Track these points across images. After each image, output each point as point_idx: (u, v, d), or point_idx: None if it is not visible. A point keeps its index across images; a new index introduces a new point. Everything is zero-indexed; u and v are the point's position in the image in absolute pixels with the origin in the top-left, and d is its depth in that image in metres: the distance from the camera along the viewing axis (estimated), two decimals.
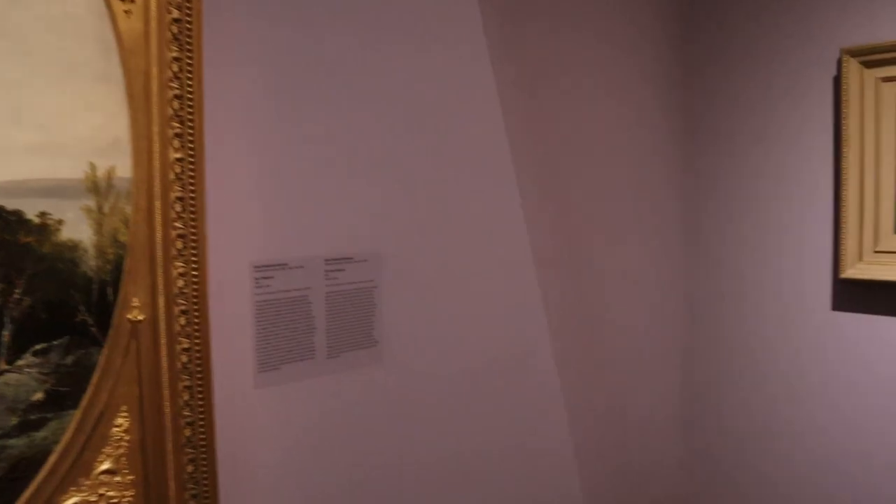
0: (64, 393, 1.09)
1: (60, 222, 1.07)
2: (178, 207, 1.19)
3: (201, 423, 1.23)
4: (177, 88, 1.18)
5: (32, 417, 1.06)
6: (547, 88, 2.04)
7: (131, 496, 1.16)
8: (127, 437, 1.16)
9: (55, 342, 1.08)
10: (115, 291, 1.14)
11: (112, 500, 1.15)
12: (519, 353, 1.94)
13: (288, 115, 1.44)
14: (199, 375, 1.22)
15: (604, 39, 2.21)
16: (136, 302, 1.16)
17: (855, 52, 2.08)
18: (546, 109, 2.04)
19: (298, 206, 1.47)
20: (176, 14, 1.17)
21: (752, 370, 2.40)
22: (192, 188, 1.20)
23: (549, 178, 2.05)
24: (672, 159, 2.48)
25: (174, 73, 1.18)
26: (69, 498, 1.11)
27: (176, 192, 1.19)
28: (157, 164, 1.16)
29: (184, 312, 1.20)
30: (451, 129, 1.75)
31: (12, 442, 1.04)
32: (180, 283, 1.20)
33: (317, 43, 1.48)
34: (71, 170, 1.08)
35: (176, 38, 1.17)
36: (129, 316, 1.15)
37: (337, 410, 1.55)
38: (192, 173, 1.20)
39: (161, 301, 1.18)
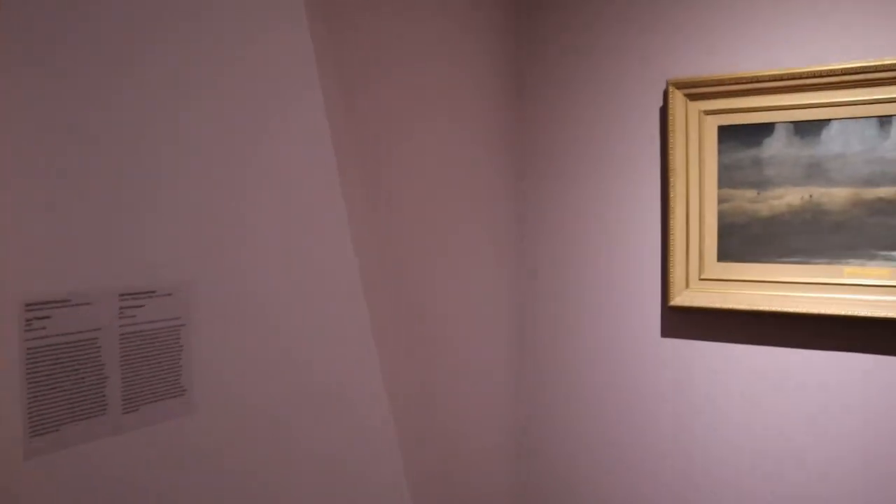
0: None
1: None
2: None
3: None
4: None
5: None
6: (372, 106, 1.90)
7: None
8: None
9: None
10: None
11: None
12: (347, 382, 1.76)
13: (64, 114, 1.18)
14: None
15: (435, 50, 2.11)
16: None
17: (680, 85, 2.13)
18: (372, 124, 1.89)
19: (84, 227, 1.20)
20: None
21: (585, 398, 2.37)
22: None
23: (378, 196, 1.90)
24: (504, 184, 2.43)
25: None
26: None
27: None
28: None
29: None
30: (268, 140, 1.55)
31: None
32: None
33: (92, 41, 1.23)
34: None
35: None
36: None
37: (137, 476, 1.29)
38: None
39: None
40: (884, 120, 1.90)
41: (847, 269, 1.96)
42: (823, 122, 1.97)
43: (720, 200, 2.11)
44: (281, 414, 1.59)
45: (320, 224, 1.67)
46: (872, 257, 1.93)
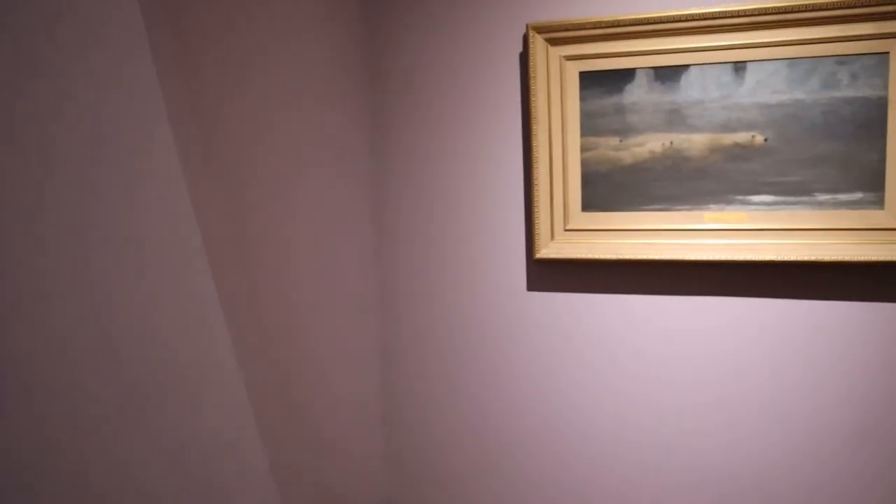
0: None
1: None
2: None
3: None
4: None
5: None
6: (214, 69, 1.66)
7: None
8: None
9: None
10: None
11: None
12: (196, 370, 1.56)
13: None
14: None
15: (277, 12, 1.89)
16: None
17: (541, 29, 2.04)
18: (212, 86, 1.66)
19: None
20: None
21: (449, 359, 2.29)
22: None
23: (222, 167, 1.68)
24: (356, 145, 2.26)
25: None
26: None
27: None
28: None
29: None
30: (99, 124, 1.30)
31: None
32: None
33: None
34: None
35: None
36: None
37: None
38: None
39: None
40: (738, 66, 1.91)
41: (707, 214, 1.98)
42: (682, 68, 1.95)
43: (583, 149, 2.06)
44: (115, 408, 1.37)
45: (161, 204, 1.44)
46: (730, 202, 1.96)
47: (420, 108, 2.23)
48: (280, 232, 1.87)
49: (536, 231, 2.12)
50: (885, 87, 1.81)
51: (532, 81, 2.06)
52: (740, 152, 1.93)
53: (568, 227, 2.10)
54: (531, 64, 2.05)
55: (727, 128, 1.93)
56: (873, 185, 1.85)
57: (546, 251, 2.12)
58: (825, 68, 1.85)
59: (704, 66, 1.93)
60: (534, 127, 2.08)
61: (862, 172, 1.85)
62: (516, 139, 2.15)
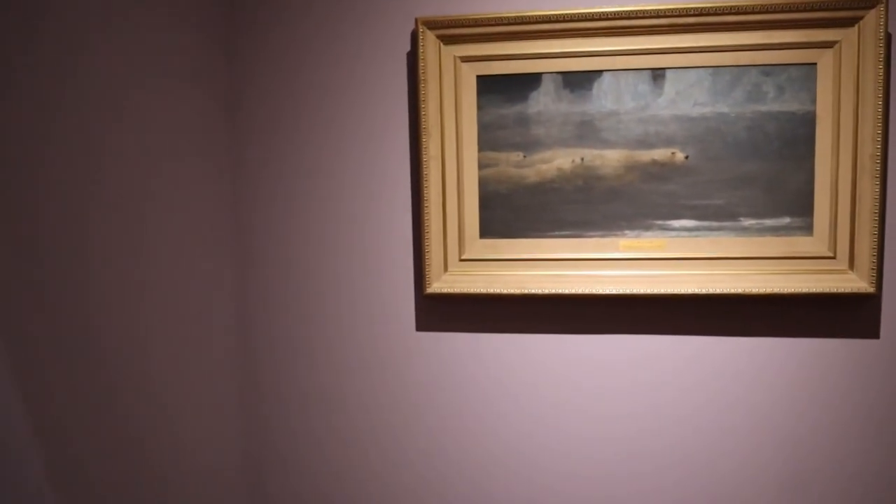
0: None
1: None
2: None
3: None
4: None
5: None
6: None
7: None
8: None
9: None
10: None
11: None
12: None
13: None
14: None
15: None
16: None
17: (432, 24, 1.72)
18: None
19: None
20: None
21: (327, 410, 1.90)
22: None
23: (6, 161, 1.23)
24: (216, 154, 1.84)
25: None
26: None
27: None
28: None
29: None
30: None
31: None
32: None
33: None
34: None
35: None
36: None
37: None
38: None
39: None
40: (657, 73, 1.67)
41: (623, 241, 1.72)
42: (595, 74, 1.69)
43: (481, 165, 1.75)
44: None
45: None
46: (648, 227, 1.70)
47: (287, 118, 1.85)
48: (136, 280, 1.42)
49: (427, 262, 1.78)
50: (813, 101, 1.62)
51: (422, 86, 1.73)
52: (659, 171, 1.68)
53: (464, 257, 1.77)
54: (421, 65, 1.73)
55: (644, 143, 1.68)
56: (801, 209, 1.65)
57: (438, 285, 1.78)
58: (750, 79, 1.64)
59: (619, 72, 1.67)
60: (424, 139, 1.74)
61: (789, 195, 1.65)
62: (403, 154, 1.81)
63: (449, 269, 1.78)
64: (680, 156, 1.67)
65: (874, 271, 1.62)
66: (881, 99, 1.58)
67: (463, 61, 1.73)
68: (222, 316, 1.86)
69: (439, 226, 1.76)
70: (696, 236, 1.68)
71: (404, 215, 1.82)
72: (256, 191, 1.87)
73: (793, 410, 1.72)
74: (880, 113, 1.58)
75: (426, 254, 1.77)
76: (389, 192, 1.82)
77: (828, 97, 1.61)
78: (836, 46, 1.60)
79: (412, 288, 1.84)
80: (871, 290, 1.63)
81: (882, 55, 1.57)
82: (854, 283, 1.64)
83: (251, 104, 1.86)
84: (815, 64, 1.61)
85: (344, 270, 1.86)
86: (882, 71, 1.57)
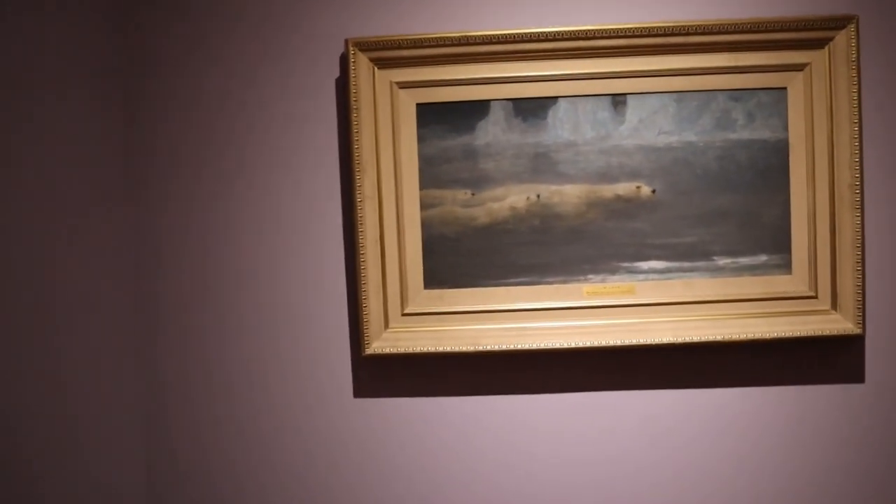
0: None
1: None
2: None
3: None
4: None
5: None
6: None
7: None
8: None
9: None
10: None
11: None
12: None
13: None
14: None
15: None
16: None
17: (365, 46, 1.49)
18: None
19: None
20: None
21: (268, 489, 1.59)
22: None
23: None
24: (115, 190, 1.54)
25: None
26: None
27: None
28: None
29: None
30: None
31: None
32: None
33: None
34: None
35: None
36: None
37: None
38: None
39: None
40: (618, 99, 1.49)
41: (586, 287, 1.51)
42: (549, 101, 1.50)
43: (424, 205, 1.52)
44: None
45: None
46: (615, 271, 1.51)
47: (195, 158, 1.57)
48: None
49: (364, 318, 1.52)
50: (785, 127, 1.47)
51: (354, 115, 1.50)
52: (624, 207, 1.49)
53: (407, 311, 1.53)
54: (352, 92, 1.49)
55: (607, 177, 1.49)
56: (778, 245, 1.49)
57: (378, 344, 1.52)
58: (718, 105, 1.48)
59: (576, 98, 1.49)
60: (358, 176, 1.50)
61: (765, 230, 1.49)
62: (334, 194, 1.56)
63: (390, 325, 1.53)
64: (646, 190, 1.49)
65: (859, 310, 1.47)
66: (857, 124, 1.45)
67: (401, 87, 1.50)
68: (130, 397, 1.53)
69: (377, 276, 1.51)
70: (668, 279, 1.50)
71: (336, 264, 1.56)
72: (159, 256, 1.58)
73: (776, 465, 1.53)
74: (857, 139, 1.45)
75: (363, 308, 1.51)
76: (318, 238, 1.56)
77: (800, 123, 1.47)
78: (807, 69, 1.46)
79: (348, 348, 1.57)
80: (857, 330, 1.47)
81: (855, 78, 1.44)
82: (838, 323, 1.48)
83: (157, 140, 1.57)
84: (786, 88, 1.47)
85: (267, 331, 1.57)
86: (856, 94, 1.44)
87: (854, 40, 1.44)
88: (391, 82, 1.50)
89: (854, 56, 1.44)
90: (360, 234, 1.51)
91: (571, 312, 1.50)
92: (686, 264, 1.49)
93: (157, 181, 1.58)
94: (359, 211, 1.51)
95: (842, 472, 1.53)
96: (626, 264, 1.50)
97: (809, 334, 1.48)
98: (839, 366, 1.53)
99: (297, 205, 1.57)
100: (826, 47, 1.45)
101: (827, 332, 1.48)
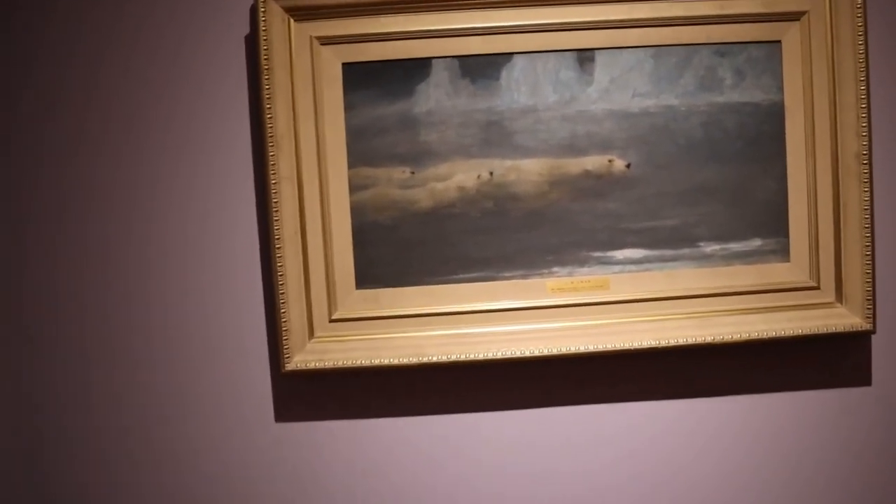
0: None
1: None
2: None
3: None
4: None
5: None
6: None
7: None
8: None
9: None
10: None
11: None
12: None
13: None
14: None
15: None
16: None
17: None
18: None
19: None
20: None
21: None
22: None
23: None
24: None
25: None
26: None
27: None
28: None
29: None
30: None
31: None
32: None
33: None
34: None
35: None
36: None
37: None
38: None
39: None
40: (584, 55, 1.22)
41: (551, 282, 1.24)
42: (503, 59, 1.22)
43: (354, 187, 1.23)
44: None
45: None
46: (584, 261, 1.24)
47: (71, 132, 1.26)
48: None
49: (283, 326, 1.22)
50: (780, 88, 1.23)
51: (265, 78, 1.20)
52: (593, 185, 1.23)
53: (335, 317, 1.24)
54: (262, 50, 1.20)
55: (573, 149, 1.23)
56: (773, 227, 1.24)
57: (301, 358, 1.23)
58: (702, 62, 1.22)
59: (535, 55, 1.22)
60: (272, 153, 1.21)
61: (758, 210, 1.24)
62: (246, 176, 1.27)
63: (315, 333, 1.24)
64: (619, 164, 1.23)
65: (869, 302, 1.23)
66: (864, 82, 1.21)
67: (323, 44, 1.21)
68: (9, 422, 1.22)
69: (298, 274, 1.22)
70: (647, 270, 1.24)
71: (251, 261, 1.27)
72: (27, 252, 1.26)
73: (773, 481, 1.29)
74: (864, 100, 1.21)
75: (281, 315, 1.22)
76: (229, 230, 1.27)
77: (797, 82, 1.23)
78: (804, 18, 1.22)
79: (267, 363, 1.28)
80: (866, 326, 1.24)
81: (861, 27, 1.20)
82: (844, 318, 1.24)
83: (20, 105, 1.25)
84: (780, 42, 1.23)
85: (172, 345, 1.27)
86: (862, 47, 1.20)
87: None
88: (311, 37, 1.21)
89: (860, 1, 1.20)
90: (275, 223, 1.21)
91: (533, 313, 1.23)
92: (668, 252, 1.24)
93: (29, 165, 1.26)
94: (273, 196, 1.21)
95: (847, 487, 1.30)
96: (597, 254, 1.24)
97: (811, 332, 1.23)
98: (845, 367, 1.29)
99: (203, 191, 1.27)
100: None
101: (832, 329, 1.24)
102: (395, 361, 1.23)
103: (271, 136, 1.20)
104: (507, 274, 1.24)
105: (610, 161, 1.22)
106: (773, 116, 1.23)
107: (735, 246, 1.24)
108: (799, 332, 1.23)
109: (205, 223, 1.26)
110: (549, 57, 1.22)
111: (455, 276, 1.24)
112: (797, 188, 1.23)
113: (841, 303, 1.24)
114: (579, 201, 1.23)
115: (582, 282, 1.24)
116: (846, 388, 1.30)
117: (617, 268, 1.24)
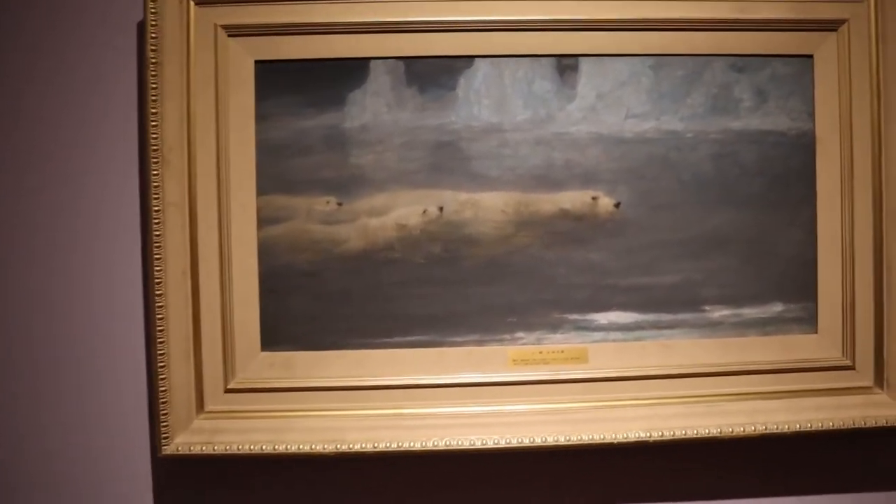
0: None
1: None
2: None
3: None
4: None
5: None
6: None
7: None
8: None
9: None
10: None
11: None
12: None
13: None
14: None
15: None
16: None
17: None
18: None
19: None
20: None
21: None
22: None
23: None
24: None
25: None
26: None
27: None
28: None
29: None
30: None
31: None
32: None
33: None
34: None
35: None
36: None
37: None
38: None
39: None
40: (565, 63, 0.94)
41: (514, 351, 0.95)
42: (462, 63, 0.94)
43: (264, 220, 0.94)
44: None
45: None
46: (557, 326, 0.95)
47: None
48: None
49: (163, 398, 0.92)
50: (811, 114, 0.95)
51: (153, 76, 0.91)
52: (572, 229, 0.94)
53: (233, 385, 0.93)
54: (151, 39, 0.91)
55: (548, 182, 0.94)
56: (798, 288, 0.96)
57: (184, 440, 0.92)
58: (715, 77, 0.95)
59: (503, 60, 0.94)
60: (155, 173, 0.91)
61: (779, 265, 0.96)
62: (129, 198, 0.97)
63: (206, 407, 0.93)
64: (606, 203, 0.94)
65: None
66: None
67: (231, 35, 0.93)
68: None
69: (184, 328, 0.92)
70: (638, 339, 0.95)
71: (130, 311, 0.97)
72: None
73: None
74: None
75: (159, 381, 0.91)
76: (105, 270, 0.97)
77: (832, 108, 0.95)
78: (842, 29, 0.95)
79: (146, 444, 0.97)
80: None
81: None
82: (886, 408, 0.96)
83: None
84: (811, 56, 0.95)
85: (39, 413, 0.96)
86: None
87: None
88: (216, 26, 0.92)
89: None
90: (156, 261, 0.91)
91: (489, 391, 0.94)
92: (665, 317, 0.95)
93: None
94: (155, 226, 0.91)
95: None
96: (573, 316, 0.94)
97: (844, 425, 0.95)
98: (886, 468, 1.00)
99: (81, 217, 0.97)
100: None
101: (870, 423, 0.95)
102: (308, 448, 0.92)
103: (156, 150, 0.91)
104: (457, 339, 0.94)
105: (594, 199, 0.94)
106: (802, 149, 0.95)
107: (750, 311, 0.96)
108: (829, 424, 0.95)
109: (81, 258, 0.96)
110: (520, 63, 0.93)
111: (390, 340, 0.94)
112: (829, 241, 0.96)
113: (882, 388, 0.96)
114: (553, 249, 0.94)
115: (553, 352, 0.94)
116: (886, 491, 1.01)
117: (599, 335, 0.94)
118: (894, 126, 0.94)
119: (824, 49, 0.95)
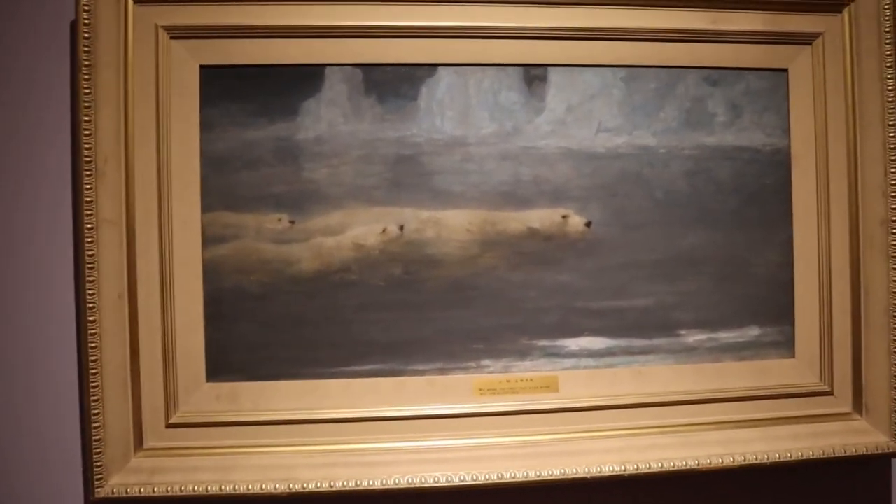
0: None
1: None
2: None
3: None
4: None
5: None
6: None
7: None
8: None
9: None
10: None
11: None
12: None
13: None
14: None
15: None
16: None
17: None
18: None
19: None
20: None
21: None
22: None
23: None
24: None
25: None
26: None
27: None
28: None
29: None
30: None
31: None
32: None
33: None
34: None
35: None
36: None
37: None
38: None
39: None
40: (533, 73, 0.89)
41: (478, 381, 0.88)
42: (424, 72, 0.87)
43: (209, 238, 0.86)
44: None
45: None
46: (525, 353, 0.88)
47: None
48: None
49: (96, 434, 0.83)
50: (786, 130, 0.91)
51: (86, 80, 0.83)
52: (541, 249, 0.88)
53: (175, 420, 0.85)
54: (84, 40, 0.83)
55: (515, 199, 0.88)
56: (775, 311, 0.92)
57: (120, 481, 0.84)
58: (688, 91, 0.90)
59: (468, 69, 0.88)
60: (88, 185, 0.83)
61: (756, 287, 0.92)
62: (62, 214, 0.88)
63: (145, 443, 0.84)
64: (577, 221, 0.89)
65: None
66: (893, 126, 0.90)
67: (174, 37, 0.85)
68: None
69: (120, 357, 0.83)
70: (610, 366, 0.89)
71: (64, 338, 0.87)
72: None
73: None
74: (894, 150, 0.90)
75: (92, 416, 0.83)
76: (32, 297, 0.87)
77: (808, 124, 0.92)
78: (817, 42, 0.91)
79: (79, 487, 0.88)
80: (894, 446, 0.91)
81: (891, 55, 0.90)
82: (865, 435, 0.92)
83: None
84: (786, 70, 0.92)
85: None
86: (892, 81, 0.90)
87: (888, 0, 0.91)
88: (157, 27, 0.84)
89: (889, 23, 0.90)
90: (88, 283, 0.82)
91: (454, 423, 0.87)
92: (638, 342, 0.90)
93: None
94: (88, 245, 0.82)
95: None
96: (543, 342, 0.88)
97: (822, 454, 0.90)
98: (864, 497, 0.96)
99: (8, 236, 0.87)
100: (845, 11, 0.91)
101: (849, 451, 0.91)
102: (258, 488, 0.84)
103: (89, 161, 0.82)
104: (418, 367, 0.87)
105: (564, 217, 0.88)
106: (777, 167, 0.91)
107: (726, 335, 0.91)
108: (809, 454, 0.90)
109: (8, 280, 0.87)
110: (485, 72, 0.87)
111: (347, 369, 0.86)
112: (806, 262, 0.91)
113: (860, 414, 0.92)
114: (521, 270, 0.88)
115: (521, 380, 0.88)
116: None
117: (569, 362, 0.89)
118: (870, 142, 0.90)
119: (799, 63, 0.91)
